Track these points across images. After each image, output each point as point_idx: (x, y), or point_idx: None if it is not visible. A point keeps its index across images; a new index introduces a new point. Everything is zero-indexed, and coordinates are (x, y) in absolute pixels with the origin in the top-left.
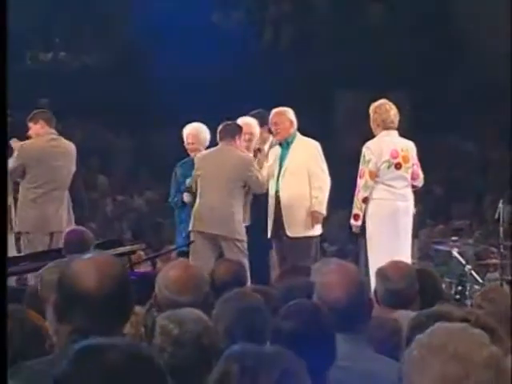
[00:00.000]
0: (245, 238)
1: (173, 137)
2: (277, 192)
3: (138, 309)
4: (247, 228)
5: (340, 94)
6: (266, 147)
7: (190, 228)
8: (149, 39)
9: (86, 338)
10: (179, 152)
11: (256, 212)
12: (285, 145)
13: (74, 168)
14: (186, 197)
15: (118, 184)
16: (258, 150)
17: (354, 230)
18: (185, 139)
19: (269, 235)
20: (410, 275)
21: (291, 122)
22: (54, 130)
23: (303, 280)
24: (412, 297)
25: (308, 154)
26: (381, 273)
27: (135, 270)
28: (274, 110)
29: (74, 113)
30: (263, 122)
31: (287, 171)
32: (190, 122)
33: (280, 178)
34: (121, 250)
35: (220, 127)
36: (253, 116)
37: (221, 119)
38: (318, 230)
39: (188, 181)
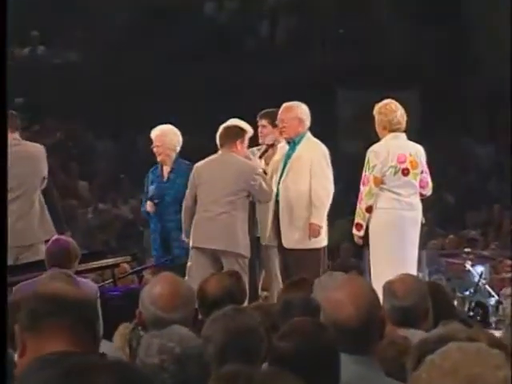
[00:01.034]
0: (248, 254)
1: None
2: (277, 196)
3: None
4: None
5: (343, 94)
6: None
7: (191, 244)
8: (136, 34)
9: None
10: None
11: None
12: (292, 145)
13: (43, 173)
14: (150, 206)
15: (99, 191)
16: (270, 146)
17: (356, 241)
18: (153, 143)
19: (268, 241)
20: (420, 291)
21: (300, 121)
22: (16, 135)
23: (305, 296)
24: (422, 315)
25: (313, 159)
26: (388, 288)
27: (118, 285)
28: (283, 105)
29: (52, 113)
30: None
31: (289, 175)
32: (182, 124)
33: (281, 181)
34: (103, 262)
35: (219, 131)
36: (264, 115)
37: (214, 121)
38: (319, 242)
39: (151, 188)
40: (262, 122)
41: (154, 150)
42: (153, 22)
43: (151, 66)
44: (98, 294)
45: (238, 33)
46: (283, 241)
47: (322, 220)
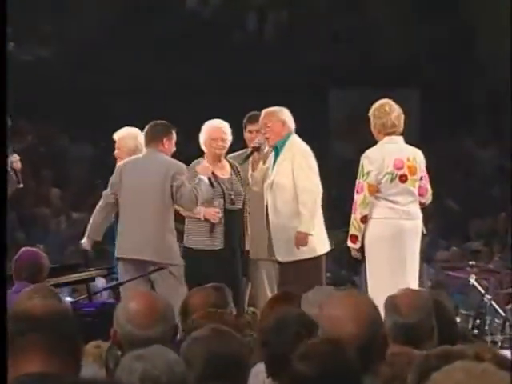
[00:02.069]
0: (180, 262)
1: None
2: (266, 207)
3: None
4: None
5: (336, 94)
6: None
7: (116, 254)
8: (115, 28)
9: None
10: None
11: (227, 232)
12: (276, 150)
13: None
14: None
15: (73, 199)
16: (256, 149)
17: (353, 254)
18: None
19: (261, 255)
20: (426, 307)
21: (284, 124)
22: None
23: (300, 311)
24: (427, 333)
25: (293, 161)
26: (390, 303)
27: (94, 301)
28: (264, 111)
29: (22, 114)
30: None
31: (274, 182)
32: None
33: (268, 191)
34: (77, 276)
35: (146, 129)
36: (251, 119)
37: (197, 122)
38: (317, 249)
39: None
40: (251, 126)
41: (115, 153)
42: (132, 17)
43: (131, 64)
44: (70, 310)
45: (224, 28)
46: (277, 255)
47: (309, 227)
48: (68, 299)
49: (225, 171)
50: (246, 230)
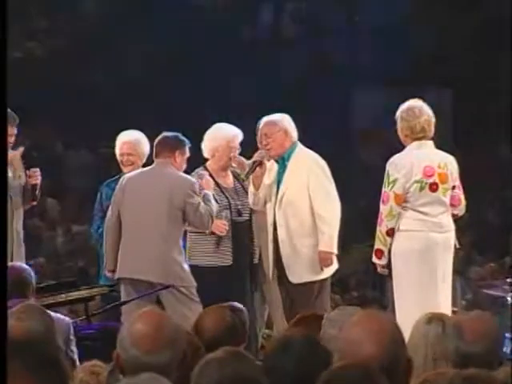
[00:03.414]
0: (190, 282)
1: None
2: (274, 225)
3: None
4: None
5: (359, 94)
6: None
7: (116, 275)
8: (115, 22)
9: None
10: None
11: (235, 247)
12: (280, 162)
13: None
14: None
15: (72, 210)
16: (258, 164)
17: (379, 270)
18: (118, 149)
19: (270, 277)
20: (493, 335)
21: (286, 133)
22: None
23: (308, 334)
24: (492, 364)
25: (309, 174)
26: (456, 326)
27: (93, 323)
28: (264, 119)
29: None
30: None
31: (284, 198)
32: (170, 128)
33: (276, 208)
34: (75, 295)
35: (157, 140)
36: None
37: (203, 127)
38: (329, 271)
39: None
40: (265, 129)
41: (124, 158)
42: (133, 10)
43: (132, 61)
44: (72, 330)
45: (234, 22)
46: (288, 275)
47: (332, 246)
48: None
49: (228, 180)
50: (254, 242)
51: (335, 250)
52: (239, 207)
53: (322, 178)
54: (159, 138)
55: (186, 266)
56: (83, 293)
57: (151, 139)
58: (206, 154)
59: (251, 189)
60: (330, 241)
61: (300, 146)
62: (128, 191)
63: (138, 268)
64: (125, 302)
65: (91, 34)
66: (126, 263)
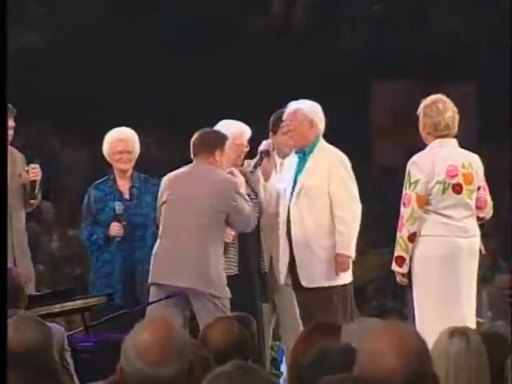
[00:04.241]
0: (226, 293)
1: (143, 146)
2: (288, 223)
3: None
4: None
5: (378, 88)
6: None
7: (149, 280)
8: (116, 12)
9: None
10: (153, 167)
11: (242, 255)
12: (301, 155)
13: None
14: (116, 229)
15: (68, 213)
16: (264, 154)
17: (398, 280)
18: (112, 148)
19: (282, 281)
20: None
21: (312, 123)
22: None
23: (345, 345)
24: None
25: (331, 173)
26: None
27: (91, 334)
28: (290, 105)
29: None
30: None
31: (301, 194)
32: (171, 128)
33: (292, 203)
34: (70, 305)
35: (194, 137)
36: (280, 118)
37: (210, 125)
38: (346, 277)
39: (118, 205)
40: (290, 116)
41: (122, 157)
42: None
43: (134, 55)
44: (66, 339)
45: (242, 10)
46: (301, 279)
47: (350, 249)
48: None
49: (238, 181)
50: (262, 249)
51: (353, 254)
52: None
53: (344, 176)
54: (197, 134)
55: (223, 275)
56: (80, 303)
57: (152, 137)
58: None
59: (262, 182)
60: (348, 243)
61: (323, 141)
62: (166, 193)
63: (172, 273)
64: (125, 313)
65: (91, 26)
66: (161, 268)
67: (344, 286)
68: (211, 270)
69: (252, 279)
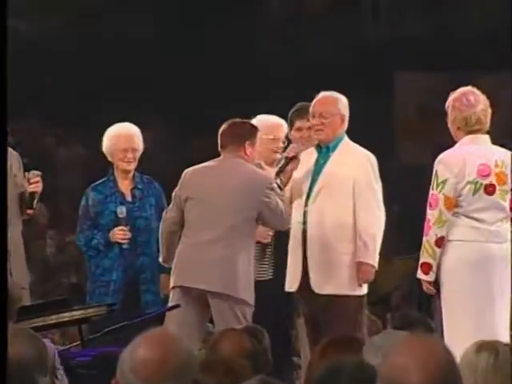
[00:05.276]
0: (252, 301)
1: (148, 143)
2: (304, 224)
3: None
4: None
5: (403, 79)
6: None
7: (172, 283)
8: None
9: None
10: (154, 168)
11: (278, 259)
12: (324, 151)
13: None
14: (121, 234)
15: (63, 217)
16: (291, 158)
17: (425, 288)
18: (115, 145)
19: (288, 287)
20: None
21: (343, 119)
22: None
23: (359, 360)
24: None
25: (357, 173)
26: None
27: (88, 349)
28: (321, 95)
29: None
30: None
31: (321, 195)
32: (180, 123)
33: (309, 203)
34: (67, 316)
35: (222, 128)
36: (299, 112)
37: (222, 120)
38: (363, 288)
39: (120, 208)
40: (300, 123)
41: (128, 155)
42: None
43: (134, 43)
44: (57, 357)
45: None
46: (314, 285)
47: (374, 257)
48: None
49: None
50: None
51: (376, 264)
52: None
53: (370, 176)
54: (226, 125)
55: (251, 280)
56: (77, 314)
57: (154, 133)
58: None
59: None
60: (372, 251)
61: (347, 138)
62: (191, 189)
63: (194, 275)
64: (126, 325)
65: (91, 7)
66: (182, 270)
67: (360, 297)
68: (239, 274)
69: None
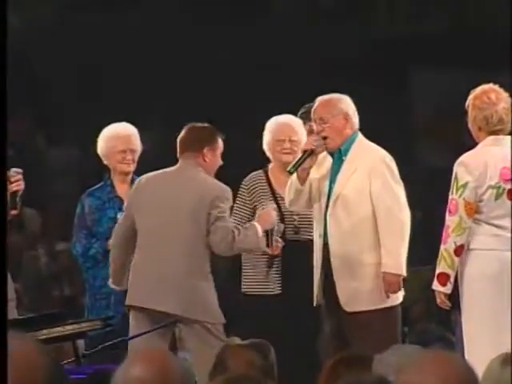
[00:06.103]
0: (219, 319)
1: (147, 144)
2: (324, 236)
3: None
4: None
5: (421, 77)
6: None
7: (126, 301)
8: None
9: None
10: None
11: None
12: (336, 155)
13: None
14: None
15: (57, 224)
16: (310, 152)
17: (439, 302)
18: (112, 147)
19: (316, 302)
20: None
21: (346, 118)
22: None
23: (376, 376)
24: None
25: (371, 173)
26: None
27: (83, 365)
28: (319, 100)
29: None
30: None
31: (338, 202)
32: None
33: (328, 214)
34: (60, 330)
35: (182, 133)
36: (309, 112)
37: (219, 119)
38: (397, 297)
39: (119, 215)
40: (321, 112)
41: (126, 156)
42: None
43: (132, 37)
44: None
45: None
46: (341, 300)
47: (400, 266)
48: None
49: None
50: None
51: (404, 272)
52: (296, 222)
53: (388, 178)
54: (184, 130)
55: (213, 297)
56: (71, 328)
57: (152, 135)
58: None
59: (294, 183)
60: (396, 259)
61: (361, 137)
62: (143, 198)
63: (152, 295)
64: (124, 339)
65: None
66: (138, 289)
67: (392, 308)
68: (197, 292)
69: (295, 302)
